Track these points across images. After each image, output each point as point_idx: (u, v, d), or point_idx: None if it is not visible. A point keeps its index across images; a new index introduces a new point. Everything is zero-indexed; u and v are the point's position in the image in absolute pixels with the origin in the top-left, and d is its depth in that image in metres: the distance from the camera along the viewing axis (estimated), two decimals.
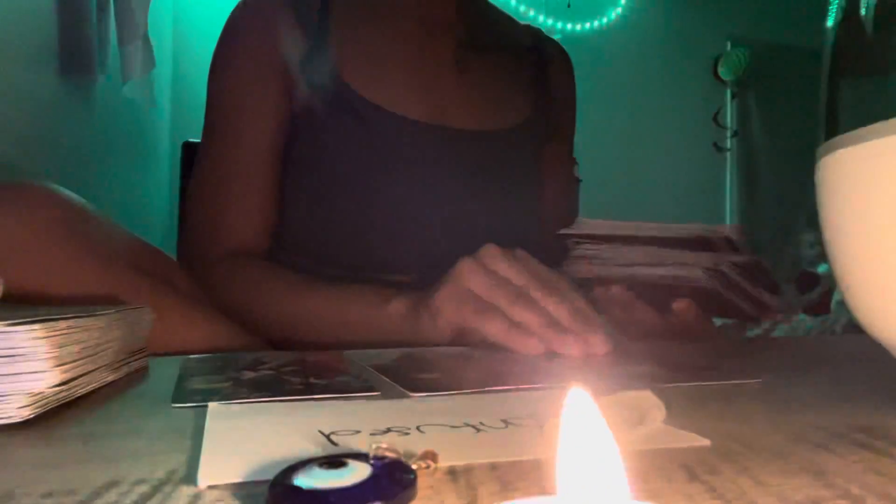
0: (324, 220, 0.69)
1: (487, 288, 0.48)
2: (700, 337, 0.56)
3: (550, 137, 0.84)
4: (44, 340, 0.26)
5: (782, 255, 3.11)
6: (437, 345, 0.50)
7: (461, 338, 0.49)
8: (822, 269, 2.57)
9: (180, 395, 0.31)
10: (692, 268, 0.53)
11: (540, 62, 0.85)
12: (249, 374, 0.36)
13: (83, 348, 0.30)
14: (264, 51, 0.71)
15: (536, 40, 0.87)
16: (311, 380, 0.34)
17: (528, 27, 0.90)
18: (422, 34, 0.75)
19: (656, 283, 0.55)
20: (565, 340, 0.44)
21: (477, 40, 0.78)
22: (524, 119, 0.78)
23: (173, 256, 0.70)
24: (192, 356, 0.44)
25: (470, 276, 0.49)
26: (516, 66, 0.82)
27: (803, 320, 2.32)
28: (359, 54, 0.72)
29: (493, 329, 0.46)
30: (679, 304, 0.54)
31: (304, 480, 0.16)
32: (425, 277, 0.55)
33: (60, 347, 0.27)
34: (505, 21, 0.87)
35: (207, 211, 0.71)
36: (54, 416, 0.27)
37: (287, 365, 0.40)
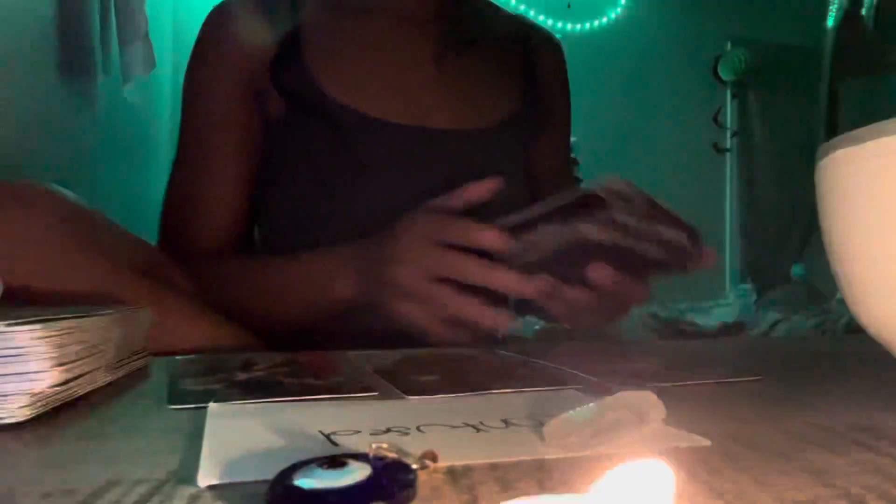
0: (305, 226, 0.69)
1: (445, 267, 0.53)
2: (637, 300, 0.56)
3: (542, 130, 0.81)
4: (44, 340, 0.26)
5: (781, 256, 3.11)
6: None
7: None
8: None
9: (176, 396, 0.31)
10: (585, 225, 0.52)
11: (527, 52, 0.82)
12: (242, 376, 0.36)
13: (83, 348, 0.30)
14: (235, 58, 0.70)
15: (523, 30, 0.84)
16: (307, 380, 0.34)
17: (515, 16, 0.87)
18: (399, 33, 0.74)
19: (560, 249, 0.53)
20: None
21: (458, 35, 0.76)
22: (510, 114, 0.76)
23: None
24: (181, 357, 0.44)
25: (425, 258, 0.54)
26: (501, 59, 0.79)
27: (800, 322, 2.31)
28: (333, 57, 0.70)
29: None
30: (594, 272, 0.52)
31: (304, 480, 0.16)
32: None
33: (60, 347, 0.27)
34: (489, 12, 0.84)
35: (180, 217, 0.72)
36: (54, 416, 0.27)
37: (279, 366, 0.40)
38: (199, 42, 0.73)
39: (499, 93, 0.77)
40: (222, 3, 0.74)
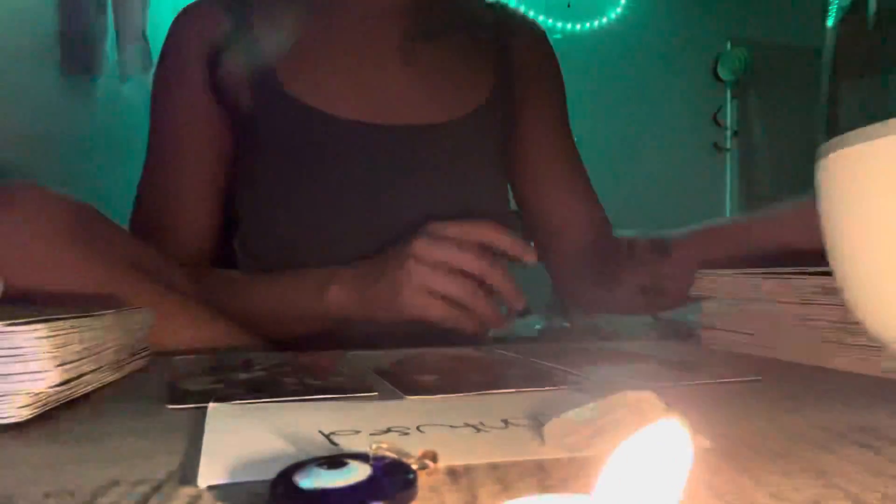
0: (276, 228, 0.67)
1: (443, 279, 0.55)
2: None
3: (522, 113, 0.79)
4: (44, 340, 0.26)
5: None
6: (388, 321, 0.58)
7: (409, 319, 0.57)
8: None
9: (175, 396, 0.31)
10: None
11: (500, 38, 0.79)
12: (242, 375, 0.36)
13: (84, 348, 0.30)
14: (202, 61, 0.69)
15: (496, 15, 0.81)
16: (307, 380, 0.34)
17: (490, 4, 0.83)
18: (363, 28, 0.72)
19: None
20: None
21: (427, 27, 0.74)
22: (483, 101, 0.74)
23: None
24: (181, 357, 0.44)
25: (423, 263, 0.55)
26: (472, 46, 0.77)
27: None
28: (299, 58, 0.69)
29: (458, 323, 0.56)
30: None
31: (304, 480, 0.16)
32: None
33: (61, 347, 0.27)
34: (462, 1, 0.80)
35: (152, 223, 0.70)
36: (54, 416, 0.27)
37: (279, 366, 0.40)
38: (166, 46, 0.73)
39: (470, 80, 0.75)
40: (186, 6, 0.73)
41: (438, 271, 0.55)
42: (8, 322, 0.25)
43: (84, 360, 0.30)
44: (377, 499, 0.15)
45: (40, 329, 0.26)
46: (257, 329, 0.59)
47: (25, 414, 0.25)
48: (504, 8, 0.85)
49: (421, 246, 0.56)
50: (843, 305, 0.29)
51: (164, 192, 0.70)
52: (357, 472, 0.16)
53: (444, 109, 0.72)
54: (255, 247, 0.69)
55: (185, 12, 0.73)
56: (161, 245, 0.66)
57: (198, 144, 0.70)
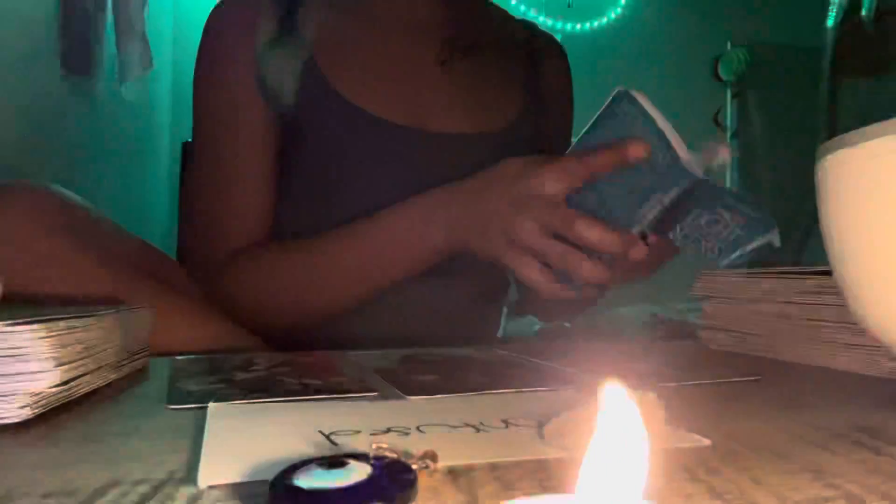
0: (309, 222, 0.68)
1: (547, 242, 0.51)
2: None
3: (546, 137, 0.81)
4: (44, 340, 0.26)
5: (781, 256, 3.10)
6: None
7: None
8: None
9: (175, 396, 0.31)
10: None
11: (531, 58, 0.82)
12: (242, 375, 0.36)
13: (83, 348, 0.30)
14: (246, 52, 0.70)
15: (529, 36, 0.85)
16: (307, 380, 0.34)
17: (523, 22, 0.88)
18: (404, 37, 0.74)
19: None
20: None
21: (464, 39, 0.76)
22: (512, 120, 0.76)
23: (173, 256, 0.70)
24: (181, 357, 0.44)
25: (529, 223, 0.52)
26: (506, 65, 0.79)
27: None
28: (344, 58, 0.71)
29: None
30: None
31: (304, 480, 0.16)
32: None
33: (61, 347, 0.27)
34: (497, 17, 0.85)
35: (206, 217, 0.71)
36: (54, 416, 0.27)
37: (278, 365, 0.40)
38: (211, 37, 0.73)
39: (502, 98, 0.77)
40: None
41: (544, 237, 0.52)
42: (8, 322, 0.25)
43: (84, 360, 0.30)
44: (377, 499, 0.15)
45: (40, 329, 0.26)
46: (371, 282, 0.60)
47: (25, 414, 0.25)
48: (533, 27, 0.87)
49: (528, 230, 0.52)
50: (843, 305, 0.29)
51: (222, 183, 0.70)
52: (357, 472, 0.16)
53: (476, 122, 0.73)
54: (285, 234, 0.70)
55: (225, 4, 0.73)
56: (220, 238, 0.67)
57: (252, 135, 0.70)
